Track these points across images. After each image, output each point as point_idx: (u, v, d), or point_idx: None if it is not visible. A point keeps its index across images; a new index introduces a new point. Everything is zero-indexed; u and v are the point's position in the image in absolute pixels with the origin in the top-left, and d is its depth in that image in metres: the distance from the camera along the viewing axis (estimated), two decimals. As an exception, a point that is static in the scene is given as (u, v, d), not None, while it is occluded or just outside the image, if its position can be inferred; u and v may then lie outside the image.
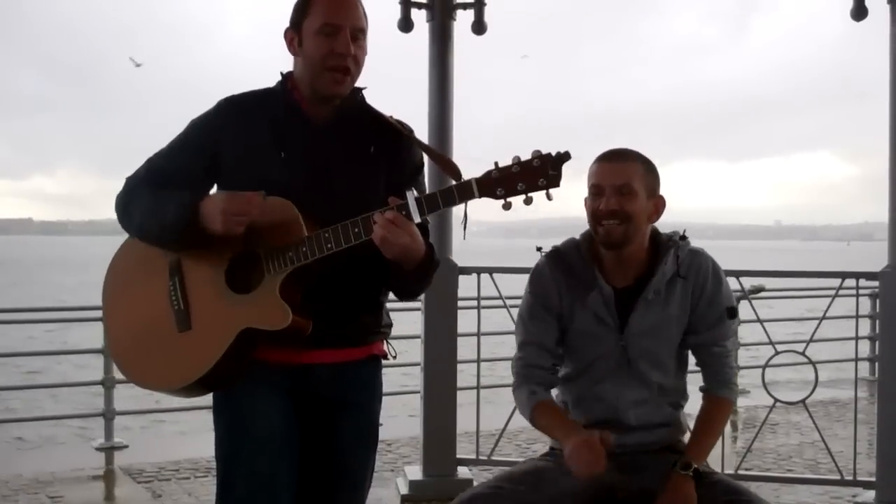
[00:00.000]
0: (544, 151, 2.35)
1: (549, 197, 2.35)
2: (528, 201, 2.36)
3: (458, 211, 2.47)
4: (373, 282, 2.64)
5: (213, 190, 2.68)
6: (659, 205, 3.02)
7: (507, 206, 2.37)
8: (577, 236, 3.11)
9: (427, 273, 2.59)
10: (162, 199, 2.57)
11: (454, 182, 2.43)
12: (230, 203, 2.47)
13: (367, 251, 2.44)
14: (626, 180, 2.93)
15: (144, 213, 2.62)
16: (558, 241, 3.16)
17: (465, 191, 2.38)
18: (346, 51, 2.56)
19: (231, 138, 2.62)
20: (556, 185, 2.35)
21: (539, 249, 3.15)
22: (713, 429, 3.06)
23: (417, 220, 2.41)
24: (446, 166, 2.57)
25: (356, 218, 2.43)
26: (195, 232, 2.52)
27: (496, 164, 2.37)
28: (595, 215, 2.96)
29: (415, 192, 2.42)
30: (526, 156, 2.35)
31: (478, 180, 2.37)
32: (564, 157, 2.35)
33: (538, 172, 2.34)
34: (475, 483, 5.20)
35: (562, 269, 3.06)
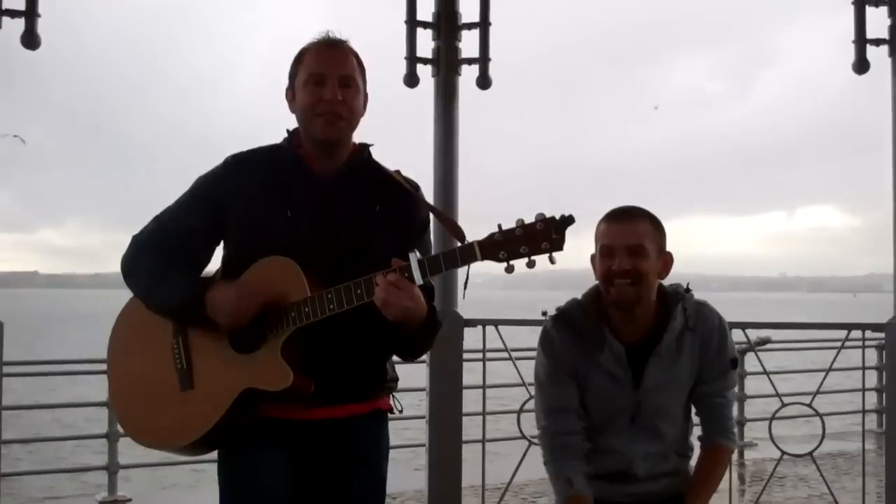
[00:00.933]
0: (548, 215, 2.34)
1: (552, 261, 2.35)
2: (530, 264, 2.36)
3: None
4: (376, 340, 2.63)
5: (220, 247, 2.71)
6: (667, 261, 3.03)
7: (509, 270, 2.36)
8: (580, 296, 3.11)
9: (428, 335, 2.60)
10: (168, 282, 2.59)
11: (458, 244, 2.43)
12: (238, 301, 2.50)
13: (370, 309, 2.45)
14: (637, 241, 2.95)
15: (150, 291, 2.64)
16: (561, 295, 3.16)
17: (468, 253, 2.38)
18: (333, 97, 2.58)
19: (237, 196, 2.63)
20: (560, 248, 2.34)
21: (544, 314, 3.15)
22: (713, 476, 3.06)
23: (420, 282, 2.41)
24: (451, 228, 2.57)
25: (359, 279, 2.43)
26: (198, 320, 2.56)
27: (499, 226, 2.36)
28: (607, 276, 2.97)
29: (417, 254, 2.42)
30: (529, 218, 2.35)
31: (480, 243, 2.37)
32: (568, 220, 2.34)
33: (541, 236, 2.33)
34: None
35: (570, 332, 3.06)
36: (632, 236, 2.96)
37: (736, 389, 3.15)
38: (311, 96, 2.61)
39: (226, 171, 2.69)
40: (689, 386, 3.06)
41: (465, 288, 2.61)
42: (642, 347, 3.02)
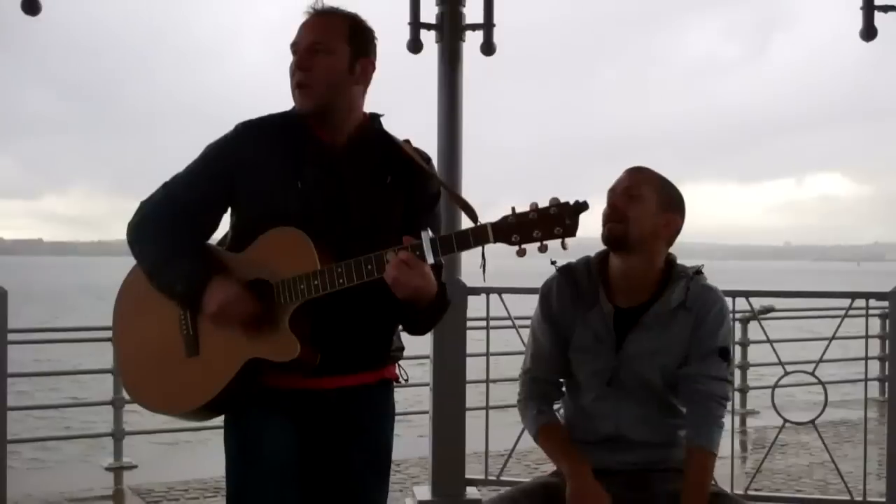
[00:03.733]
0: (562, 200, 2.33)
1: (564, 246, 2.34)
2: (542, 249, 2.35)
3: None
4: (384, 314, 2.63)
5: (228, 214, 2.70)
6: (671, 222, 3.00)
7: (521, 253, 2.35)
8: (592, 254, 3.12)
9: (437, 313, 2.60)
10: (174, 266, 2.58)
11: (472, 224, 2.42)
12: (232, 307, 2.51)
13: (379, 284, 2.44)
14: (633, 183, 2.97)
15: (154, 269, 2.63)
16: (572, 260, 3.16)
17: (481, 235, 2.37)
18: (296, 66, 2.59)
19: (247, 165, 2.61)
20: (573, 234, 2.33)
21: (553, 263, 3.16)
22: (698, 483, 2.92)
23: (431, 261, 2.40)
24: (464, 207, 2.55)
25: (370, 255, 2.42)
26: (196, 306, 2.57)
27: (513, 209, 2.35)
28: (602, 216, 2.99)
29: (430, 233, 2.41)
30: (543, 202, 2.34)
31: (494, 225, 2.36)
32: (582, 206, 2.33)
33: (555, 221, 2.32)
34: (484, 504, 5.20)
35: (570, 284, 3.07)
36: (630, 180, 2.98)
37: (732, 385, 3.06)
38: (290, 68, 2.62)
39: (236, 139, 2.66)
40: (675, 364, 3.01)
41: (483, 271, 2.58)
42: (633, 313, 3.01)
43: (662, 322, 2.98)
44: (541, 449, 3.12)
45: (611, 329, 3.00)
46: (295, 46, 2.61)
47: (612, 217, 2.95)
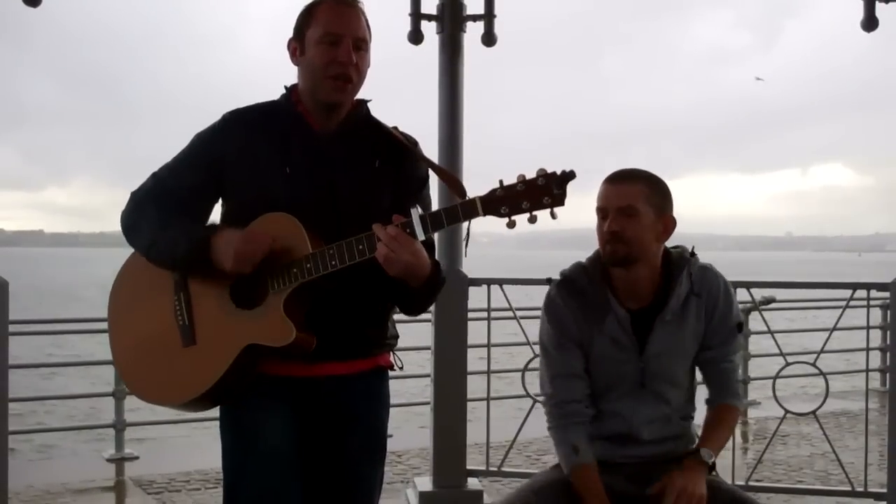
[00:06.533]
0: (549, 170, 2.34)
1: (553, 216, 2.34)
2: (532, 220, 2.35)
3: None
4: (378, 296, 2.64)
5: (219, 204, 2.70)
6: (668, 224, 3.00)
7: (511, 225, 2.36)
8: (584, 260, 3.10)
9: (432, 291, 2.59)
10: (172, 230, 2.58)
11: (459, 200, 2.42)
12: (243, 244, 2.48)
13: (371, 265, 2.44)
14: (628, 202, 2.93)
15: (153, 240, 2.62)
16: (570, 255, 3.14)
17: (470, 209, 2.37)
18: (348, 59, 2.56)
19: (236, 153, 2.62)
20: (561, 203, 2.33)
21: (549, 281, 3.15)
22: (723, 429, 3.05)
23: (422, 237, 2.41)
24: (451, 183, 2.57)
25: (361, 235, 2.43)
26: (204, 266, 2.54)
27: (501, 182, 2.36)
28: (601, 237, 2.97)
29: (419, 210, 2.42)
30: (531, 174, 2.34)
31: (482, 199, 2.36)
32: (569, 175, 2.33)
33: (543, 191, 2.33)
34: (485, 495, 5.21)
35: (574, 297, 3.05)
36: (623, 198, 2.94)
37: (741, 351, 3.13)
38: (325, 56, 2.57)
39: (224, 128, 2.67)
40: (694, 351, 3.05)
41: (466, 245, 2.59)
42: (647, 313, 3.00)
43: (678, 315, 3.00)
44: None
45: (631, 334, 3.00)
46: (336, 37, 2.57)
47: (613, 239, 2.93)
